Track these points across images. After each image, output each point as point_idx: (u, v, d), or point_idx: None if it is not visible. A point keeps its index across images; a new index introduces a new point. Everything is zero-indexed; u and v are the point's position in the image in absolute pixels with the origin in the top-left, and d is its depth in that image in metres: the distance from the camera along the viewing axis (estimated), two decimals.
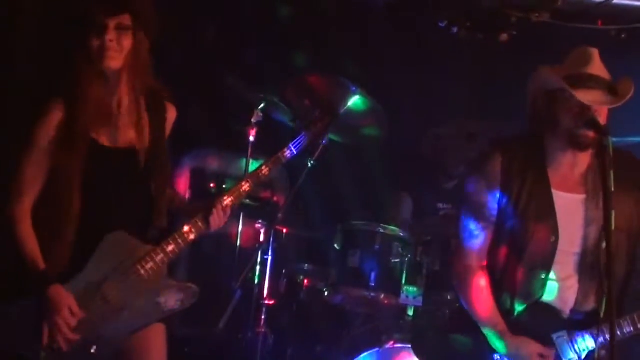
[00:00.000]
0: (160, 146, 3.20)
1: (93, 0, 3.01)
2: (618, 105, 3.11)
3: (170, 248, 3.10)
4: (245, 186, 3.26)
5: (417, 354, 3.59)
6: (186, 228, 3.14)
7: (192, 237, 3.15)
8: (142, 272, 3.06)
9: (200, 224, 3.16)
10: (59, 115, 3.03)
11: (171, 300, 3.12)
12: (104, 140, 3.08)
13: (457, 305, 3.43)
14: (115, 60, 3.03)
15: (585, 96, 3.08)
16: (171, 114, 3.28)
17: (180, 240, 3.12)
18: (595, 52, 3.19)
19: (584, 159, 3.25)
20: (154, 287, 3.09)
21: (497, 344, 3.19)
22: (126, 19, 3.03)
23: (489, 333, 3.21)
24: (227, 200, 3.21)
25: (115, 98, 3.10)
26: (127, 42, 3.04)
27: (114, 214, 3.09)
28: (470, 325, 3.26)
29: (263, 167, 3.33)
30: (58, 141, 3.02)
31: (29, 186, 3.03)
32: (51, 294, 2.94)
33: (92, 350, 3.02)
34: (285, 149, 3.41)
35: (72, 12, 3.05)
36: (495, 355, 3.21)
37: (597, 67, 3.18)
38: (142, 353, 3.14)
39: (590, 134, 3.11)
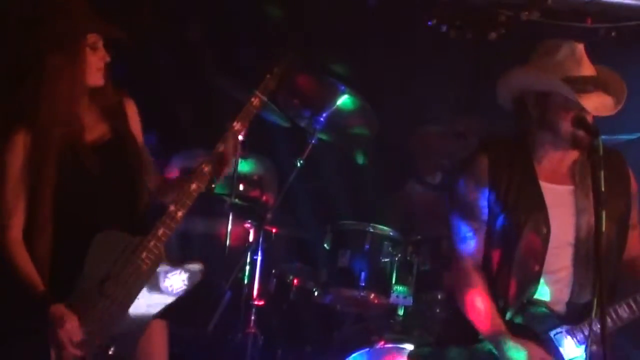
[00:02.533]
0: (127, 137, 3.18)
1: (89, 18, 3.04)
2: (619, 109, 3.12)
3: (161, 231, 3.06)
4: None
5: None
6: (172, 207, 3.09)
7: (180, 214, 3.09)
8: (139, 262, 3.03)
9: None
10: (25, 139, 3.00)
11: (177, 282, 3.10)
12: (73, 148, 3.06)
13: (449, 313, 3.39)
14: (103, 78, 3.09)
15: (589, 103, 3.08)
16: (130, 108, 3.26)
17: (168, 221, 3.08)
18: (582, 50, 3.17)
19: (572, 154, 3.25)
20: (156, 274, 3.07)
21: (500, 348, 3.12)
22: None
23: (490, 339, 3.15)
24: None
25: (84, 107, 3.10)
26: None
27: (94, 217, 3.07)
28: (465, 334, 3.22)
29: (235, 124, 3.24)
30: (29, 166, 3.00)
31: (12, 213, 3.01)
32: (52, 314, 2.92)
33: (110, 352, 3.01)
34: (253, 98, 3.27)
35: (56, 30, 3.02)
36: None
37: (588, 66, 3.17)
38: (144, 349, 3.13)
39: (582, 133, 3.11)
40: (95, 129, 3.14)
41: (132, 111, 3.26)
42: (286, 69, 3.38)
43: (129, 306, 3.03)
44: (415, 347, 3.46)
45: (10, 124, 3.01)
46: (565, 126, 3.15)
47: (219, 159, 3.16)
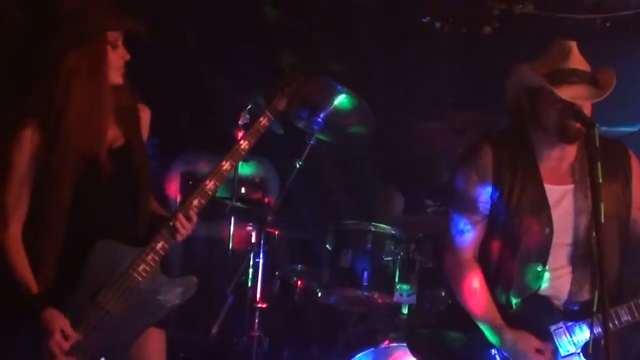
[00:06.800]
0: (138, 145, 3.16)
1: (109, 15, 3.03)
2: (601, 98, 3.10)
3: (160, 245, 3.05)
4: (226, 165, 3.17)
5: (412, 353, 3.56)
6: (173, 222, 3.07)
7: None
8: (135, 275, 3.02)
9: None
10: (34, 136, 2.98)
11: (171, 296, 3.09)
12: (85, 150, 3.03)
13: (450, 301, 3.41)
14: (122, 77, 3.08)
15: (567, 92, 3.08)
16: (144, 114, 3.25)
17: (168, 235, 3.07)
18: (573, 45, 3.18)
19: (572, 151, 3.25)
20: (151, 287, 3.06)
21: (494, 338, 3.17)
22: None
23: (485, 328, 3.19)
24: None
25: (102, 107, 3.07)
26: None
27: (99, 223, 3.06)
28: (464, 321, 3.24)
29: (242, 142, 3.22)
30: (41, 163, 2.98)
31: (13, 210, 2.99)
32: (44, 318, 2.91)
33: None
34: (262, 117, 3.28)
35: (78, 26, 3.00)
36: (493, 350, 3.19)
37: (577, 60, 3.17)
38: (140, 358, 3.13)
39: (577, 124, 3.10)
40: (109, 132, 3.11)
41: (145, 118, 3.25)
42: (296, 89, 3.38)
43: (122, 318, 3.01)
44: (411, 334, 3.49)
45: (22, 119, 2.99)
46: (552, 118, 3.15)
47: (221, 175, 3.14)
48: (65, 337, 2.92)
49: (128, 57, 3.10)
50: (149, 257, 3.03)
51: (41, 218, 2.98)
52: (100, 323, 2.98)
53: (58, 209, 2.98)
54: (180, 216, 3.06)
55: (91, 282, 2.99)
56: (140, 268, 3.02)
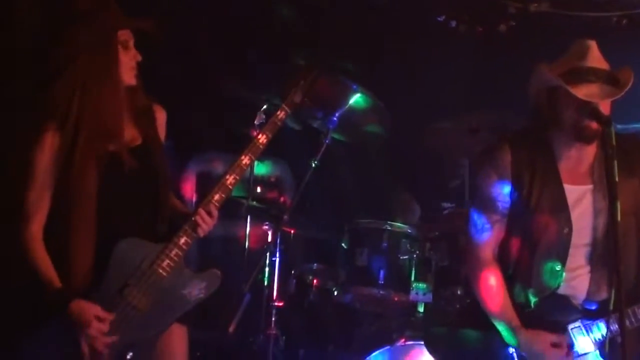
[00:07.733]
0: (155, 143, 3.21)
1: (119, 15, 3.07)
2: (618, 97, 3.10)
3: (183, 240, 3.09)
4: (246, 159, 3.23)
5: (429, 351, 3.57)
6: (195, 217, 3.11)
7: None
8: (160, 270, 3.06)
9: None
10: (54, 139, 3.03)
11: (195, 290, 3.13)
12: (106, 150, 3.07)
13: (468, 300, 3.43)
14: (135, 77, 3.12)
15: (583, 91, 3.08)
16: (160, 115, 3.29)
17: (191, 230, 3.11)
18: (592, 44, 3.19)
19: (591, 151, 3.26)
20: (176, 282, 3.10)
21: (511, 338, 3.18)
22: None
23: (501, 327, 3.20)
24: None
25: (118, 108, 3.11)
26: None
27: (121, 221, 3.10)
28: (482, 319, 3.24)
29: (260, 136, 3.28)
30: (63, 164, 3.02)
31: (34, 209, 3.03)
32: (74, 310, 2.95)
33: (129, 357, 3.04)
34: (279, 111, 3.34)
35: (91, 27, 3.05)
36: (510, 349, 3.19)
37: (596, 59, 3.17)
38: (163, 355, 3.16)
39: (594, 124, 3.10)
40: (126, 132, 3.15)
41: (161, 119, 3.29)
42: (312, 82, 3.42)
43: (148, 312, 3.06)
44: (429, 332, 3.52)
45: (41, 121, 3.04)
46: (569, 117, 3.16)
47: (241, 170, 3.18)
48: (101, 320, 2.96)
49: (139, 57, 3.14)
50: (173, 252, 3.08)
51: (70, 218, 3.02)
52: (127, 318, 3.02)
53: (86, 208, 3.02)
54: (202, 211, 3.10)
55: (116, 280, 3.03)
56: (165, 263, 3.06)
